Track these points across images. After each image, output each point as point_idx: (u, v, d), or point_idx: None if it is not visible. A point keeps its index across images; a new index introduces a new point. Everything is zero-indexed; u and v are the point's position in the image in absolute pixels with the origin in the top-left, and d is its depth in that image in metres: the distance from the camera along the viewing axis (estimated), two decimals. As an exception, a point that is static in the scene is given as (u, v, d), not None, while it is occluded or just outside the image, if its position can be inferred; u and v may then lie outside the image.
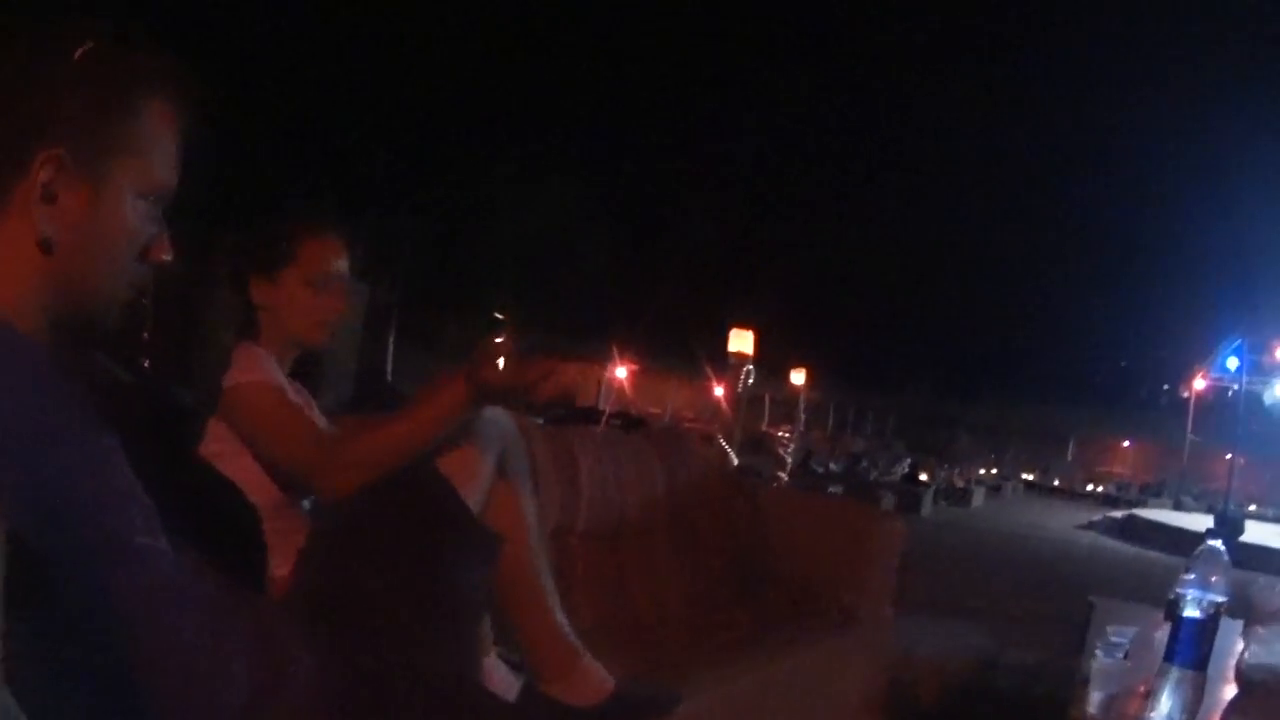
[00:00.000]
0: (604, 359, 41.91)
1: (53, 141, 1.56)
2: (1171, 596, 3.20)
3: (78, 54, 1.58)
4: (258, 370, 2.78)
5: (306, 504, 2.89)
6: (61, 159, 1.56)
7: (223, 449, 2.68)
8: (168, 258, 1.78)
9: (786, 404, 24.60)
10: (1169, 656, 2.80)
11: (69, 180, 1.58)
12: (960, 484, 32.14)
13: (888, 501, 20.94)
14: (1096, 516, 29.49)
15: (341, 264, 3.07)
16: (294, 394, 2.91)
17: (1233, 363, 37.20)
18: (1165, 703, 2.78)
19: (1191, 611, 2.79)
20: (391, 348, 32.99)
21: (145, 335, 3.14)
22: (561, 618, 2.97)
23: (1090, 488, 47.71)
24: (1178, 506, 36.42)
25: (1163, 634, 3.36)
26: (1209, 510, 32.20)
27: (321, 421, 2.97)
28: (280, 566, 2.60)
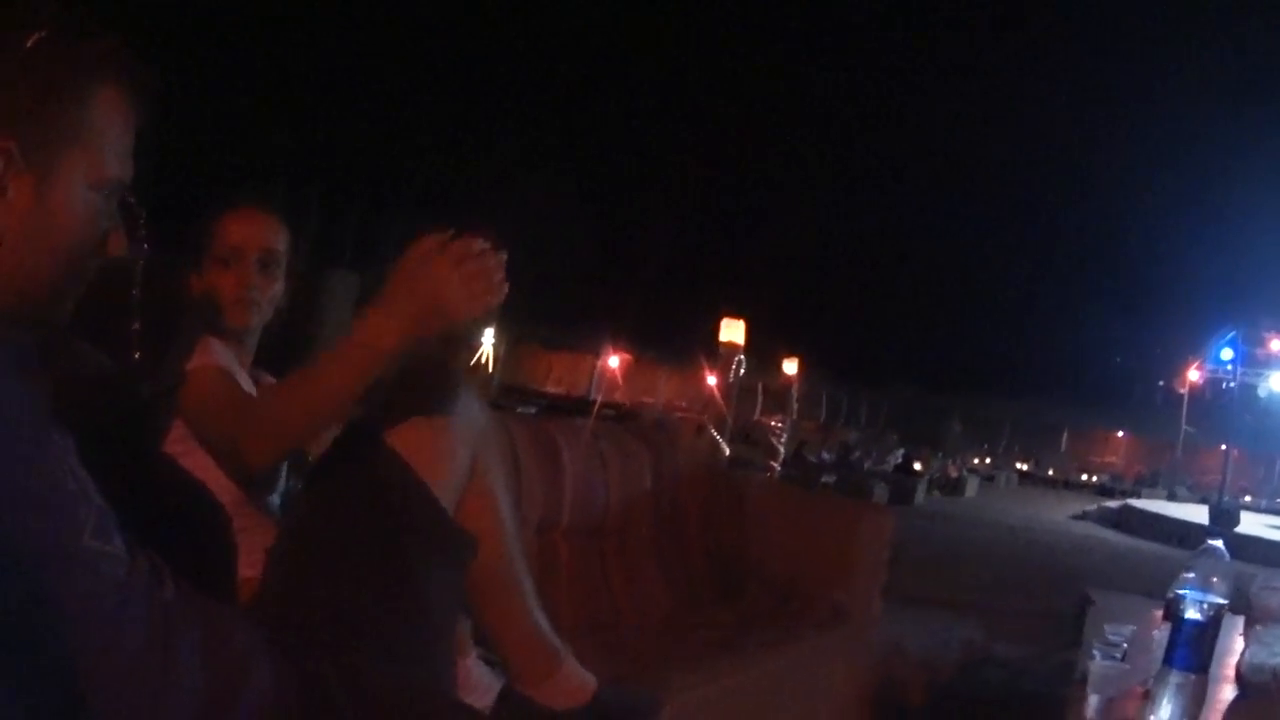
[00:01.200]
0: (596, 349, 42.07)
1: (2, 134, 1.51)
2: (1171, 596, 3.13)
3: (29, 42, 1.53)
4: (204, 355, 2.72)
5: (276, 499, 2.82)
6: (10, 151, 1.51)
7: (187, 446, 2.61)
8: (121, 252, 1.74)
9: (779, 394, 24.57)
10: (1169, 660, 2.74)
11: (18, 172, 1.53)
12: (954, 474, 32.27)
13: (880, 491, 21.02)
14: (1091, 507, 29.54)
15: (261, 237, 3.01)
16: (245, 380, 2.85)
17: (1227, 354, 37.37)
18: (1165, 707, 2.71)
19: (1192, 614, 2.72)
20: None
21: (135, 326, 3.09)
22: (541, 618, 2.88)
23: (1084, 478, 47.87)
24: (1172, 498, 36.56)
25: (1161, 633, 3.29)
26: (1202, 501, 32.35)
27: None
28: (248, 568, 2.52)
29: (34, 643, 1.47)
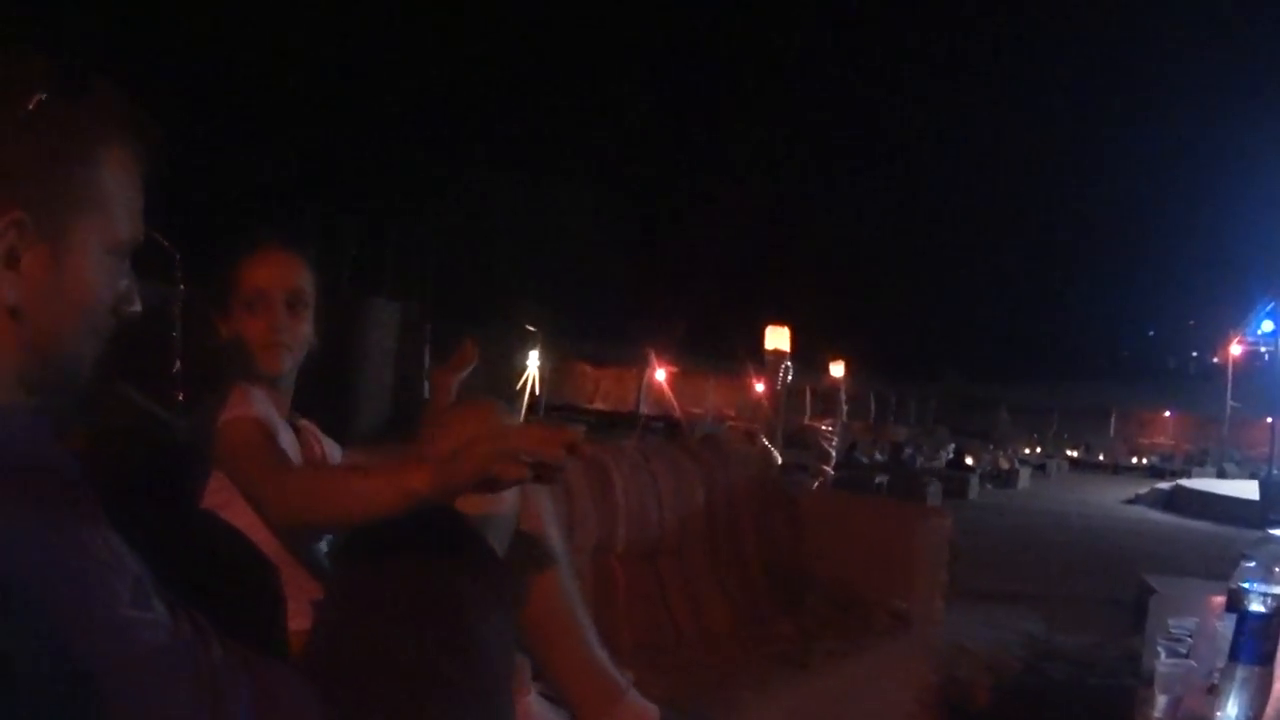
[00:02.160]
0: (641, 363, 41.98)
1: (10, 203, 1.48)
2: (1233, 588, 3.10)
3: (30, 105, 1.50)
4: (239, 406, 2.62)
5: (324, 547, 2.78)
6: (22, 222, 1.49)
7: (230, 496, 2.58)
8: (136, 309, 1.70)
9: (827, 396, 24.49)
10: (1234, 654, 2.72)
11: (30, 243, 1.50)
12: (1005, 466, 32.02)
13: (934, 489, 20.91)
14: (1142, 489, 29.30)
15: (286, 278, 2.89)
16: (283, 430, 2.77)
17: (1268, 326, 37.05)
18: (1232, 702, 2.69)
19: (1256, 606, 2.70)
20: (427, 363, 33.06)
21: (177, 367, 3.08)
22: (599, 651, 2.86)
23: (1134, 461, 47.51)
24: (1221, 475, 36.21)
25: (1224, 624, 3.26)
26: (1252, 476, 32.07)
27: (295, 453, 2.84)
28: (298, 619, 2.50)
29: (78, 715, 1.46)
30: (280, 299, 2.84)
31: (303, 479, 2.41)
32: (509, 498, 2.56)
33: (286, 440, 2.70)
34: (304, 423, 2.96)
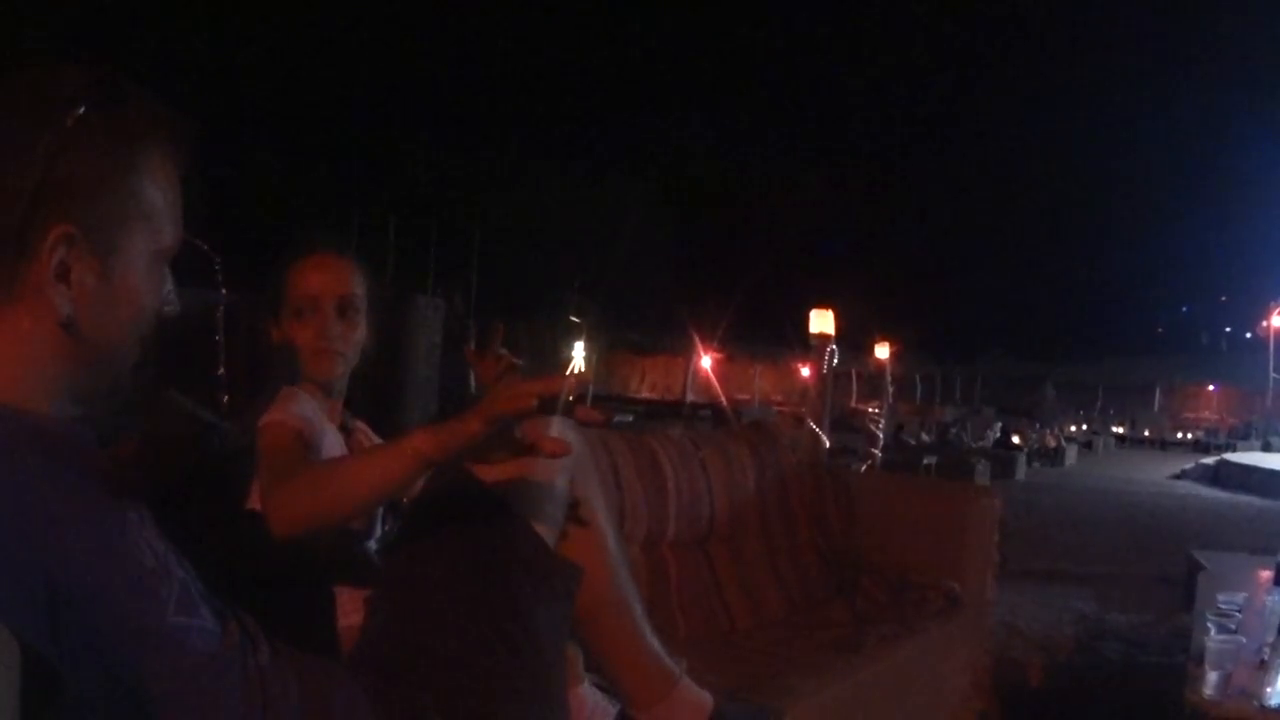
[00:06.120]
0: (687, 351, 41.93)
1: (59, 218, 1.50)
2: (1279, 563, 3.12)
3: (69, 122, 1.51)
4: (279, 410, 2.58)
5: (373, 545, 2.79)
6: (72, 235, 1.51)
7: None
8: (174, 311, 1.72)
9: (873, 379, 24.44)
10: (1283, 629, 2.73)
11: (80, 255, 1.52)
12: (1052, 444, 31.90)
13: (982, 469, 20.83)
14: (1189, 465, 29.20)
15: (337, 283, 2.88)
16: (329, 434, 2.72)
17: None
18: (1282, 677, 2.71)
19: (1303, 581, 2.72)
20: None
21: (220, 371, 3.11)
22: (652, 640, 2.86)
23: (1179, 436, 47.26)
24: (1266, 448, 36.03)
25: (1273, 599, 3.29)
26: (1297, 448, 32.01)
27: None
28: (349, 615, 2.53)
29: None
30: (331, 305, 2.83)
31: (304, 478, 2.31)
32: (557, 487, 2.56)
33: (332, 443, 2.70)
34: (358, 424, 2.95)
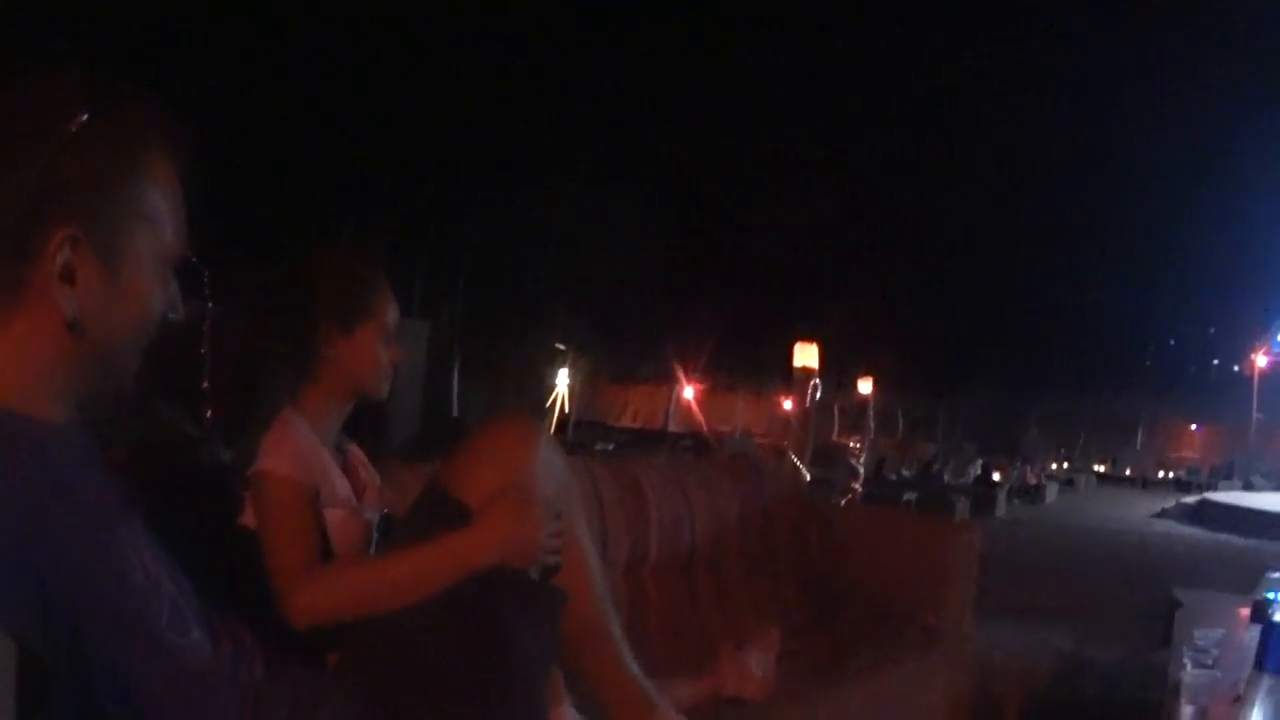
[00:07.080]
0: (670, 381, 41.94)
1: (64, 221, 1.50)
2: (1259, 598, 3.14)
3: (72, 126, 1.52)
4: (285, 458, 2.56)
5: None
6: (76, 238, 1.51)
7: None
8: (178, 316, 1.72)
9: (855, 413, 24.51)
10: (1259, 664, 2.74)
11: (85, 257, 1.53)
12: (1033, 481, 32.05)
13: (962, 505, 20.91)
14: (1170, 503, 29.28)
15: (395, 309, 2.91)
16: (328, 463, 2.70)
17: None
18: (1257, 713, 2.72)
19: (1280, 617, 2.72)
20: (456, 382, 33.01)
21: (205, 384, 3.11)
22: (633, 666, 2.88)
23: (1161, 474, 47.41)
24: (1248, 487, 36.16)
25: (1251, 635, 3.30)
26: (1278, 489, 32.04)
27: (340, 483, 2.83)
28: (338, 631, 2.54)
29: None
30: (394, 330, 2.88)
31: (341, 581, 2.39)
32: (531, 491, 2.56)
33: (327, 470, 2.68)
34: (352, 447, 2.95)
